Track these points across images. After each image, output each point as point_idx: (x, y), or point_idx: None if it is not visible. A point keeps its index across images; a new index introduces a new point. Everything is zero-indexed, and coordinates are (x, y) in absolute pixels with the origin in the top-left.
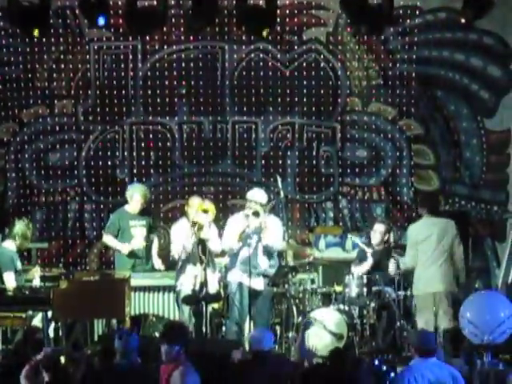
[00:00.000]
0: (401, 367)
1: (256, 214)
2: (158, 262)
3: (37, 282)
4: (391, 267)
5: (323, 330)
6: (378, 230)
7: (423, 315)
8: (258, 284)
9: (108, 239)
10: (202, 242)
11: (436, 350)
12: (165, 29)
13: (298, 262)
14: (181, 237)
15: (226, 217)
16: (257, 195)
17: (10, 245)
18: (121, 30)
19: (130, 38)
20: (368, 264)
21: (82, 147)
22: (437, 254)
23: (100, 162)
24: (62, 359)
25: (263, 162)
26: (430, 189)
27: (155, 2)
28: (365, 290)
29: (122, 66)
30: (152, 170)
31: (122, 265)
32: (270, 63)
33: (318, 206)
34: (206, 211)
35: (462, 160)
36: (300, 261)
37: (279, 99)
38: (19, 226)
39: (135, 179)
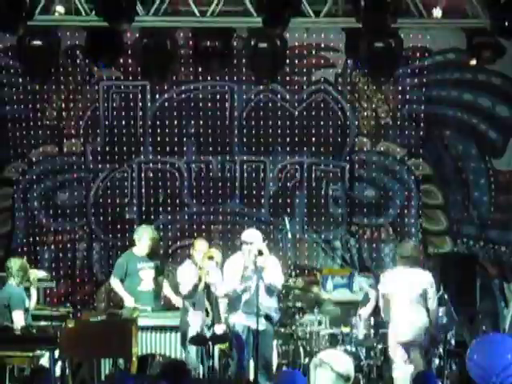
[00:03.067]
0: None
1: (260, 252)
2: (176, 300)
3: (35, 285)
4: None
5: (330, 372)
6: None
7: None
8: (260, 325)
9: (115, 284)
10: (207, 288)
11: None
12: (174, 69)
13: (305, 301)
14: (186, 278)
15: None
16: (254, 235)
17: (19, 284)
18: (130, 69)
19: (139, 78)
20: (371, 305)
21: (90, 187)
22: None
23: (108, 202)
24: None
25: (271, 201)
26: (438, 229)
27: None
28: (372, 331)
29: (131, 105)
30: (160, 209)
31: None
32: (278, 103)
33: (326, 245)
34: (211, 258)
35: (470, 200)
36: (307, 298)
37: (288, 139)
38: (14, 262)
39: (143, 218)
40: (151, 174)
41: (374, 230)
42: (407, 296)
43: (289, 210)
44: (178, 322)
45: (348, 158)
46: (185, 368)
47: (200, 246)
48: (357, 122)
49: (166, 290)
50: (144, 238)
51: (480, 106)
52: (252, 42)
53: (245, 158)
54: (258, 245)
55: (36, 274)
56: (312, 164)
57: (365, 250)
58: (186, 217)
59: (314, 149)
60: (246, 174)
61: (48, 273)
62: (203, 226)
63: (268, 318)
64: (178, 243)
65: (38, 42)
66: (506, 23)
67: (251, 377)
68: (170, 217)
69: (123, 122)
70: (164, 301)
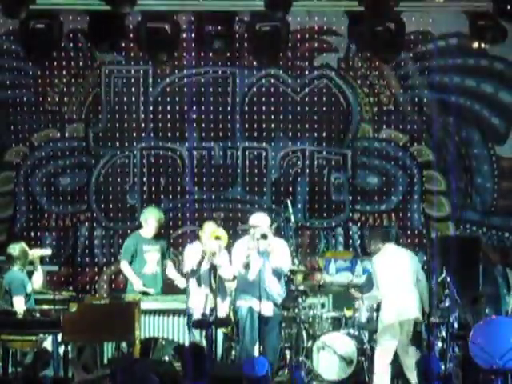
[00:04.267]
0: None
1: (264, 236)
2: (180, 281)
3: (37, 264)
4: None
5: (333, 355)
6: None
7: None
8: (267, 310)
9: (125, 267)
10: (213, 268)
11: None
12: (176, 53)
13: (307, 285)
14: (192, 259)
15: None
16: (261, 219)
17: (22, 269)
18: (132, 53)
19: (141, 62)
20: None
21: (92, 171)
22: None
23: (110, 187)
24: None
25: (273, 188)
26: (441, 215)
27: (167, 26)
28: (375, 314)
29: (133, 90)
30: (162, 196)
31: (133, 291)
32: (280, 89)
33: (329, 232)
34: (218, 238)
35: (473, 186)
36: (310, 284)
37: (290, 125)
38: (13, 248)
39: (145, 205)
40: (153, 160)
41: (377, 216)
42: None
43: (291, 197)
44: (180, 305)
45: (350, 144)
46: (203, 350)
47: (209, 228)
48: (359, 109)
49: (170, 272)
50: (151, 219)
51: (483, 91)
52: (254, 26)
53: (247, 144)
54: (263, 229)
55: (37, 252)
56: (314, 151)
57: (367, 237)
58: (188, 203)
59: (316, 135)
60: (247, 161)
61: (50, 269)
62: (205, 213)
63: (275, 301)
64: (180, 230)
65: (40, 26)
66: (509, 6)
67: None
68: (171, 203)
69: (125, 107)
70: (166, 284)
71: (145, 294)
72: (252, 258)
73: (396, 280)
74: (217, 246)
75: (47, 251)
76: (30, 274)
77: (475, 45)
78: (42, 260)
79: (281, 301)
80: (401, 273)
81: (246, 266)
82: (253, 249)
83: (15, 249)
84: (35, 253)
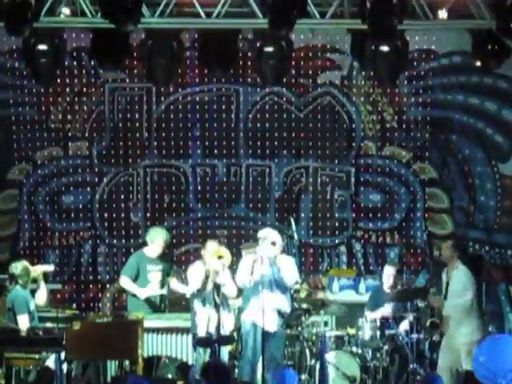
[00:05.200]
0: None
1: (274, 243)
2: (184, 289)
3: (41, 280)
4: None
5: (336, 373)
6: (387, 273)
7: None
8: (272, 325)
9: (125, 282)
10: (216, 287)
11: None
12: (179, 71)
13: (310, 303)
14: (196, 278)
15: (239, 260)
16: (270, 231)
17: (24, 288)
18: (135, 71)
19: (145, 80)
20: (384, 311)
21: (96, 189)
22: None
23: (114, 205)
24: None
25: (277, 205)
26: (444, 232)
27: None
28: (378, 332)
29: (137, 107)
30: (166, 213)
31: (136, 309)
32: (284, 107)
33: (332, 250)
34: (221, 257)
35: (476, 204)
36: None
37: (293, 143)
38: (15, 267)
39: (149, 223)
40: (156, 177)
41: (380, 234)
42: None
43: (294, 214)
44: (183, 323)
45: (353, 162)
46: (226, 369)
47: (211, 247)
48: (362, 126)
49: (174, 284)
50: (158, 240)
51: (486, 109)
52: (258, 44)
53: (250, 161)
54: (272, 238)
55: (40, 269)
56: (317, 168)
57: (370, 255)
58: (191, 221)
59: (319, 153)
60: (251, 178)
61: (53, 286)
62: (208, 231)
63: (280, 315)
64: (183, 248)
65: (43, 44)
66: None
67: (259, 376)
68: (175, 221)
69: (129, 125)
70: (170, 303)
71: (149, 304)
72: (256, 263)
73: None
74: (220, 265)
75: (50, 267)
76: (33, 292)
77: (478, 63)
78: (46, 277)
79: (287, 311)
80: None
81: (250, 273)
82: (260, 254)
83: (17, 267)
84: (38, 269)
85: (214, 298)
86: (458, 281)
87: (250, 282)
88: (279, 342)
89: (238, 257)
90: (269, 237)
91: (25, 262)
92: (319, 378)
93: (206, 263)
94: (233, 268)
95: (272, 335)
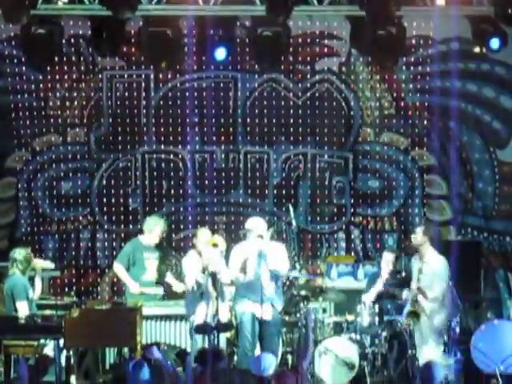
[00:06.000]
0: None
1: (260, 236)
2: (178, 286)
3: (40, 275)
4: (405, 295)
5: (335, 360)
6: (386, 259)
7: None
8: (267, 314)
9: (119, 270)
10: (213, 276)
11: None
12: (177, 58)
13: (309, 290)
14: (193, 270)
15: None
16: (257, 222)
17: (22, 274)
18: (133, 58)
19: (143, 67)
20: (376, 288)
21: (94, 176)
22: None
23: (112, 191)
24: None
25: (275, 191)
26: (442, 219)
27: (168, 31)
28: (376, 319)
29: (135, 94)
30: (164, 199)
31: (133, 296)
32: (282, 93)
33: (330, 236)
34: (215, 245)
35: (474, 191)
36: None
37: (291, 129)
38: (19, 252)
39: (147, 208)
40: (155, 164)
41: (378, 220)
42: None
43: (292, 200)
44: (182, 310)
45: (352, 148)
46: (221, 355)
47: (202, 235)
48: (360, 113)
49: (169, 279)
50: (156, 230)
51: (484, 96)
52: (256, 31)
53: (249, 148)
54: (259, 231)
55: (41, 263)
56: (316, 155)
57: (368, 241)
58: (190, 207)
59: (317, 139)
60: (249, 165)
61: (52, 262)
62: (207, 217)
63: (273, 304)
64: (182, 234)
65: (41, 31)
66: (510, 10)
67: None
68: (173, 207)
69: (127, 111)
70: (166, 290)
71: (144, 295)
72: (248, 260)
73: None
74: (216, 253)
75: (50, 265)
76: (30, 280)
77: (477, 49)
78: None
79: (280, 303)
80: None
81: (243, 270)
82: (250, 250)
83: (20, 253)
84: (38, 263)
85: (210, 288)
86: (430, 270)
87: (245, 279)
88: (274, 330)
89: (236, 243)
90: (255, 230)
91: (28, 251)
92: (299, 351)
93: (199, 253)
94: (228, 254)
95: (267, 323)
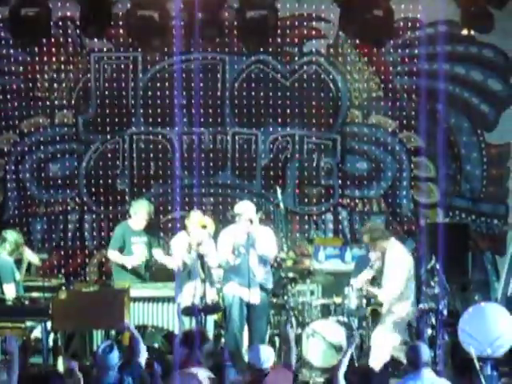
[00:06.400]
0: (397, 380)
1: (250, 221)
2: (169, 261)
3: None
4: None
5: (322, 342)
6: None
7: None
8: (255, 298)
9: (113, 255)
10: (200, 257)
11: (429, 364)
12: (165, 40)
13: (297, 271)
14: (180, 250)
15: (225, 227)
16: (246, 206)
17: (9, 257)
18: (121, 40)
19: (131, 49)
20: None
21: (82, 158)
22: None
23: (100, 173)
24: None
25: (263, 173)
26: (430, 201)
27: (156, 13)
28: (364, 301)
29: (123, 76)
30: (152, 181)
31: (121, 278)
32: (270, 75)
33: (318, 217)
34: (204, 227)
35: (462, 173)
36: (299, 270)
37: (279, 111)
38: (11, 233)
39: (135, 190)
40: (142, 145)
41: (366, 202)
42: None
43: (280, 182)
44: (170, 292)
45: (340, 130)
46: (205, 335)
47: (195, 217)
48: (348, 95)
49: (159, 256)
50: (141, 212)
51: (472, 79)
52: (243, 12)
53: (236, 129)
54: (249, 215)
55: (29, 255)
56: (304, 136)
57: (356, 223)
58: (177, 189)
59: (305, 121)
60: (237, 146)
61: (39, 255)
62: (194, 198)
63: (263, 288)
64: (169, 215)
65: (29, 13)
66: None
67: (245, 347)
68: (161, 188)
69: (115, 93)
70: (154, 272)
71: (135, 274)
72: (237, 244)
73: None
74: (204, 234)
75: (37, 262)
76: (17, 263)
77: (464, 32)
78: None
79: (269, 286)
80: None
81: (234, 253)
82: (239, 234)
83: (12, 234)
84: (26, 253)
85: (199, 269)
86: (389, 262)
87: (234, 261)
88: (262, 314)
89: (224, 225)
90: (245, 214)
91: (21, 236)
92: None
93: (189, 233)
94: (218, 236)
95: (255, 307)
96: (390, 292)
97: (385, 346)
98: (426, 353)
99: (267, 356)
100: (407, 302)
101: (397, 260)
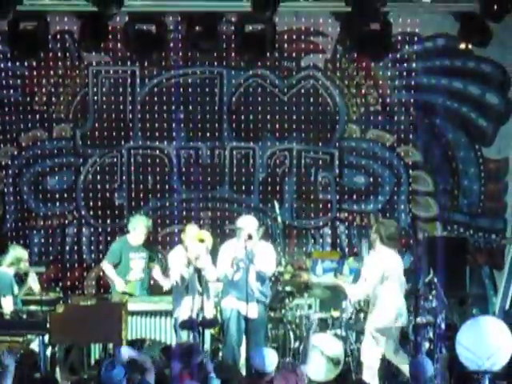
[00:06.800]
0: None
1: (250, 236)
2: (165, 283)
3: (35, 287)
4: None
5: (320, 356)
6: None
7: None
8: (252, 312)
9: (107, 268)
10: (198, 271)
11: (432, 379)
12: (163, 54)
13: (294, 285)
14: (178, 264)
15: (224, 242)
16: (248, 221)
17: (8, 269)
18: (119, 54)
19: (129, 63)
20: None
21: (80, 171)
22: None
23: (98, 187)
24: None
25: (261, 187)
26: (428, 215)
27: (154, 27)
28: (362, 315)
29: (121, 90)
30: (150, 195)
31: (118, 293)
32: (268, 89)
33: (316, 231)
34: (202, 241)
35: (460, 188)
36: (297, 284)
37: (277, 125)
38: (13, 248)
39: (132, 204)
40: (140, 159)
41: (364, 216)
42: (399, 280)
43: (278, 196)
44: (167, 306)
45: (337, 144)
46: (198, 350)
47: (191, 231)
48: (346, 109)
49: (156, 274)
50: (139, 227)
51: (470, 93)
52: (241, 27)
53: (234, 144)
54: (249, 230)
55: (28, 268)
56: (301, 150)
57: (354, 237)
58: (175, 203)
59: (303, 135)
60: (235, 161)
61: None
62: (192, 213)
63: (260, 302)
64: (167, 229)
65: (27, 27)
66: (495, 7)
67: (242, 361)
68: (159, 203)
69: (112, 107)
70: (152, 286)
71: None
72: (238, 259)
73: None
74: (201, 248)
75: (37, 288)
76: (16, 276)
77: (462, 46)
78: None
79: (267, 301)
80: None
81: (233, 267)
82: (238, 249)
83: (15, 249)
84: (31, 277)
85: (196, 283)
86: (367, 261)
87: (234, 276)
88: (260, 328)
89: (221, 239)
90: (246, 229)
91: (25, 253)
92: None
93: (186, 248)
94: (215, 250)
95: (253, 321)
96: (358, 289)
97: (368, 358)
98: (429, 369)
99: (271, 360)
100: (390, 309)
101: (373, 260)
